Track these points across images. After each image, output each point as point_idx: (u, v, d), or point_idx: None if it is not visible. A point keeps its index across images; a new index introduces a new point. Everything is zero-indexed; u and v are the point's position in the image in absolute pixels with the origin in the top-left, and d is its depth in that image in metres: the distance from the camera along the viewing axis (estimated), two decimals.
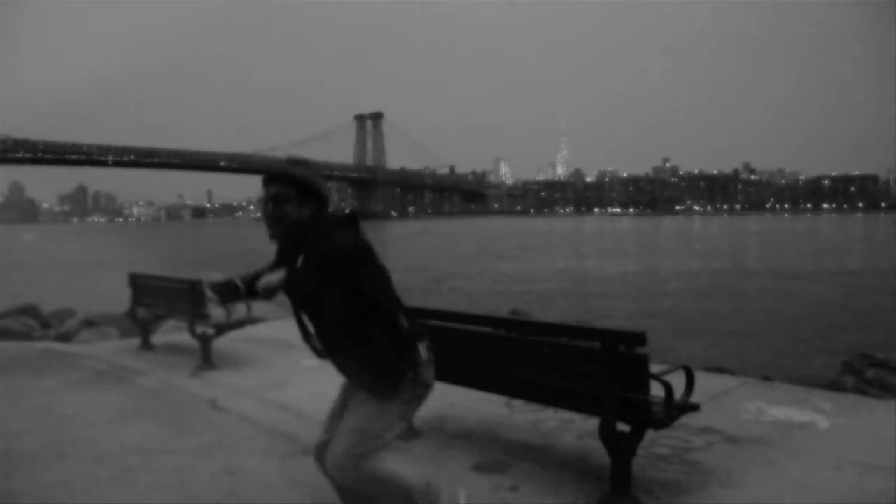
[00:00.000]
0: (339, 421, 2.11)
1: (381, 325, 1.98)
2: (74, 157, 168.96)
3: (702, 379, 3.40)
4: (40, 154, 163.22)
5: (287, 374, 4.99)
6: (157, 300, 6.16)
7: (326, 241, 1.86)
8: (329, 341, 2.03)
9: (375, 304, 1.97)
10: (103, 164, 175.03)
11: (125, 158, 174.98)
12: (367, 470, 1.97)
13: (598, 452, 2.81)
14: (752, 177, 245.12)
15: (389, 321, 2.00)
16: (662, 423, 2.62)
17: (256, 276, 1.96)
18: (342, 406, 2.16)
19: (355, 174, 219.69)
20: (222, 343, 5.67)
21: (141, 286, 6.43)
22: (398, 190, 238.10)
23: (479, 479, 2.92)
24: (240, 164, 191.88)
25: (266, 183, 2.01)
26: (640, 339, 2.52)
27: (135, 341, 6.55)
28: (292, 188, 1.98)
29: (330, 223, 1.97)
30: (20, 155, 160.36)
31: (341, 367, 2.12)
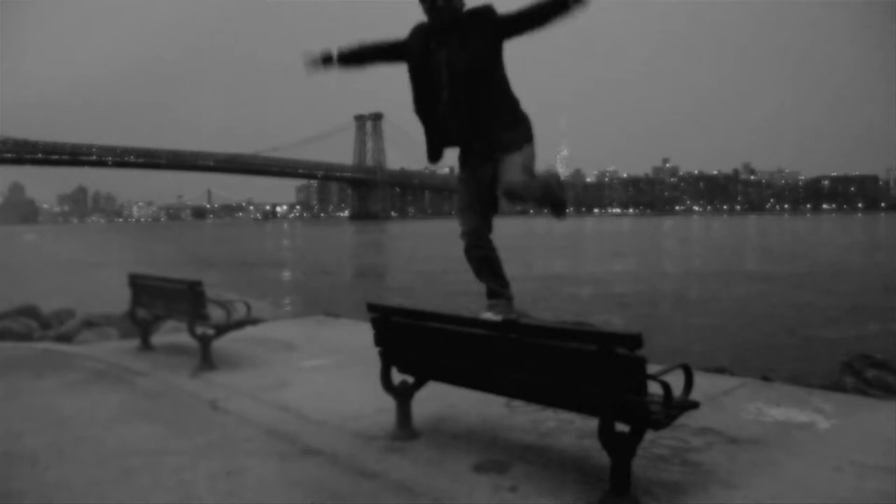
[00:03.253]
0: (474, 211, 3.24)
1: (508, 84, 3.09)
2: (74, 157, 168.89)
3: (701, 379, 3.39)
4: (40, 154, 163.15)
5: (287, 375, 4.99)
6: (157, 301, 6.15)
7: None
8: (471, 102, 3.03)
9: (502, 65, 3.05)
10: (103, 164, 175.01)
11: (125, 159, 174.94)
12: (533, 178, 3.07)
13: (598, 453, 2.81)
14: (752, 177, 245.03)
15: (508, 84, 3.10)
16: (661, 423, 2.62)
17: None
18: (475, 196, 3.25)
19: (355, 174, 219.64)
20: (222, 343, 5.67)
21: (141, 287, 6.43)
22: (398, 190, 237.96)
23: (479, 479, 2.92)
24: (239, 165, 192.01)
25: None
26: (636, 340, 2.52)
27: (135, 342, 6.54)
28: None
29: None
30: (20, 155, 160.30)
31: (475, 129, 3.11)
